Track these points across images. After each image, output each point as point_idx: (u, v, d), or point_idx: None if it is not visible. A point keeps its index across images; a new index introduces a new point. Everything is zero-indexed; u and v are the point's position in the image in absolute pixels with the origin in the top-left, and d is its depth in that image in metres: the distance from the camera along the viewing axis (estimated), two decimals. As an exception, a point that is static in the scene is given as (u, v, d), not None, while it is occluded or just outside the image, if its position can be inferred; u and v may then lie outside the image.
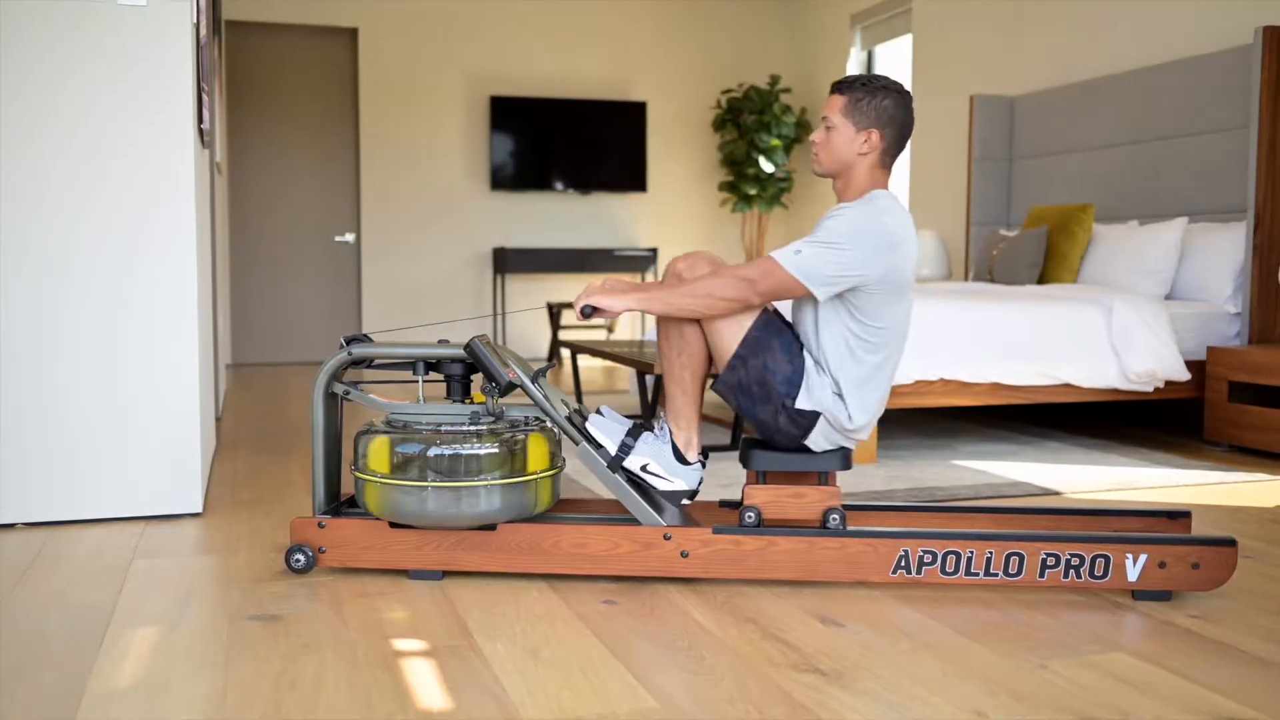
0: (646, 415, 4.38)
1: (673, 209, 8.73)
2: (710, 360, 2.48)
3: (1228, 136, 4.67)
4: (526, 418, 2.50)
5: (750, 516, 2.43)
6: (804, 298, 2.43)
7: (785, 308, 3.86)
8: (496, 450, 2.37)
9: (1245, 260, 4.41)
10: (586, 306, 2.42)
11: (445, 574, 2.47)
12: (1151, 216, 5.09)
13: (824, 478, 2.50)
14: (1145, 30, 5.26)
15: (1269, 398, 4.26)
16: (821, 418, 2.42)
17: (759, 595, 2.35)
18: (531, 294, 8.42)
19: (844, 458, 2.48)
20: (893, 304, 2.40)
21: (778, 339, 2.41)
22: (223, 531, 2.90)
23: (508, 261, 8.02)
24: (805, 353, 2.45)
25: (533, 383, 2.45)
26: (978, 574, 2.34)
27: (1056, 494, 3.40)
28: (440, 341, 2.51)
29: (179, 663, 1.94)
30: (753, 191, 8.33)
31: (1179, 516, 2.61)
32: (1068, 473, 3.72)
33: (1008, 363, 4.01)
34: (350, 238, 8.08)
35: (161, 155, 2.98)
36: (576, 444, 2.46)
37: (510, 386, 2.40)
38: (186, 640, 2.05)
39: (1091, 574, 2.32)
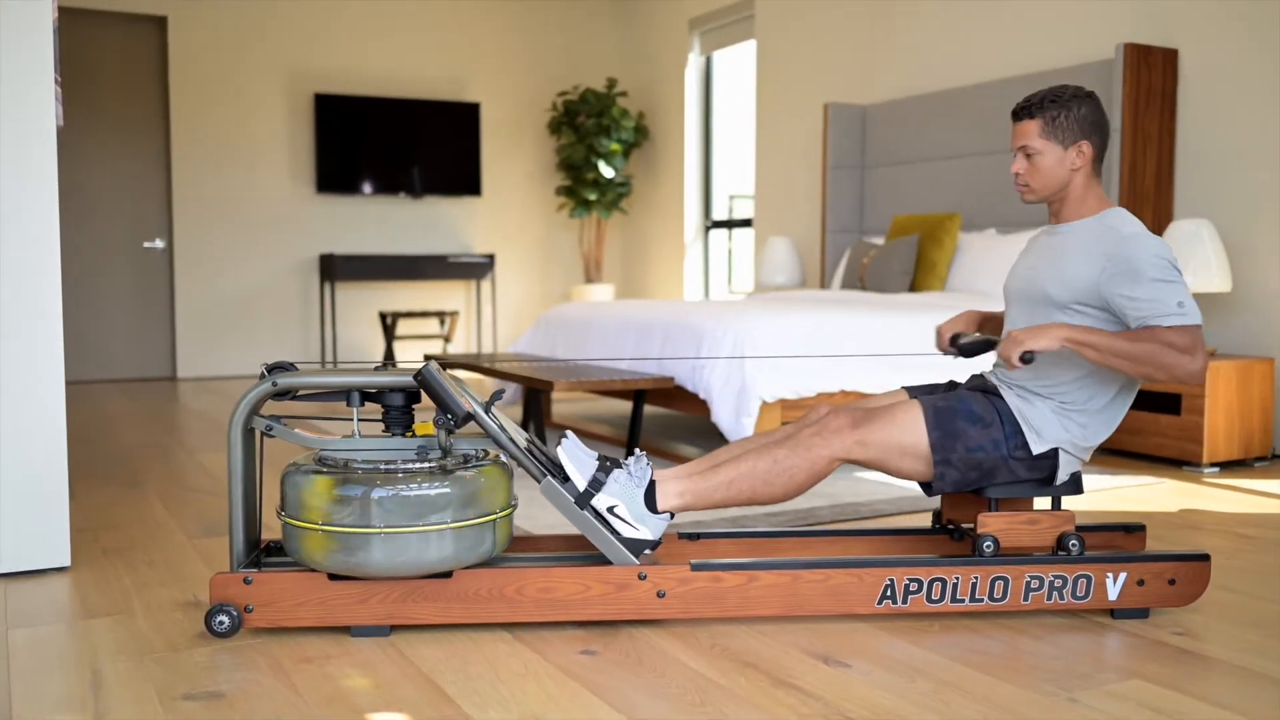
0: (536, 430, 4.16)
1: (509, 214, 8.47)
2: (762, 503, 2.35)
3: (1084, 148, 4.83)
4: (476, 451, 2.27)
5: (989, 546, 2.33)
6: (1057, 349, 2.25)
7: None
8: (451, 489, 2.13)
9: (1108, 268, 4.55)
10: (1028, 354, 2.18)
11: (392, 628, 2.21)
12: (1009, 225, 5.22)
13: (1055, 503, 2.43)
14: (1008, 43, 5.40)
15: (1138, 400, 4.41)
16: (1061, 451, 2.35)
17: (743, 635, 2.20)
18: (363, 303, 8.00)
19: (1077, 482, 2.42)
20: None
21: (959, 420, 2.33)
22: (103, 588, 2.53)
23: (336, 269, 7.59)
24: (1001, 399, 2.37)
25: (485, 413, 2.22)
26: (963, 600, 2.26)
27: (971, 505, 3.39)
28: (377, 368, 2.25)
29: (121, 763, 1.63)
30: (592, 196, 8.18)
31: (1134, 530, 2.61)
32: (969, 481, 3.72)
33: (905, 371, 4.00)
34: (160, 244, 7.47)
35: (21, 153, 2.58)
36: (539, 480, 2.24)
37: (468, 418, 2.17)
38: (119, 733, 1.73)
39: (1074, 594, 2.27)
